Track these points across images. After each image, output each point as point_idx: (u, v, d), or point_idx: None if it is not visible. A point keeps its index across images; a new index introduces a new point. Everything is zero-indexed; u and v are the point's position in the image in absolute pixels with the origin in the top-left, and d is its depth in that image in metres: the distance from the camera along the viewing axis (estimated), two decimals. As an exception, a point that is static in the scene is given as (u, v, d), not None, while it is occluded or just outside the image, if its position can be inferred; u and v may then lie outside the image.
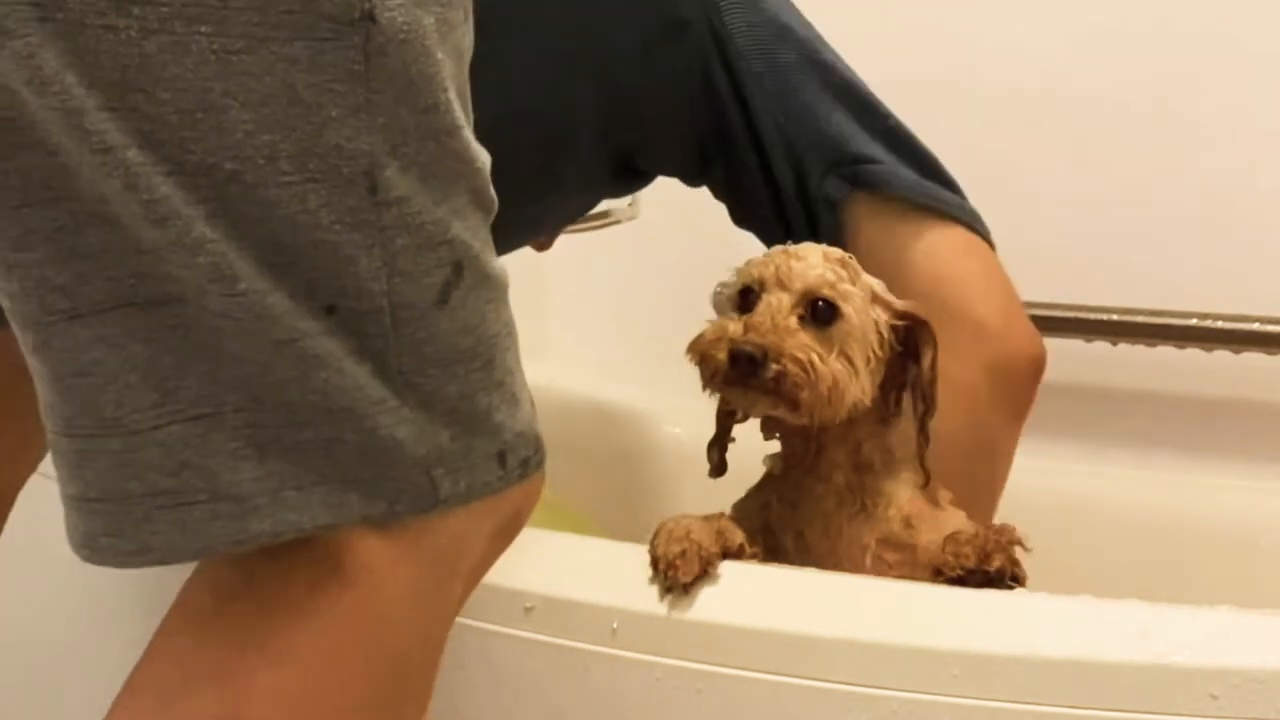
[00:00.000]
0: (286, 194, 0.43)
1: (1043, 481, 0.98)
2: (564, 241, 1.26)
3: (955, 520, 0.81)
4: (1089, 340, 1.37)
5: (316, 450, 0.45)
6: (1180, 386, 1.38)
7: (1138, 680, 0.65)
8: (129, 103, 0.41)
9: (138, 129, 0.41)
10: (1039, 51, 1.44)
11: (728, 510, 0.84)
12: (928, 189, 0.96)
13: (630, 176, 1.08)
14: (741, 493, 0.86)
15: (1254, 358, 1.32)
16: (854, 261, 0.80)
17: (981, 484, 0.93)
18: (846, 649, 0.70)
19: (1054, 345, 1.38)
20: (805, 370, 0.73)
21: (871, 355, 0.77)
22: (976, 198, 1.04)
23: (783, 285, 0.77)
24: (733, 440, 0.87)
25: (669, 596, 0.75)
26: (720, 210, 1.08)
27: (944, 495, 0.84)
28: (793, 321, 0.75)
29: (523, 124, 0.92)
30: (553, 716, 0.78)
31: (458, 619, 0.54)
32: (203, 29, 0.41)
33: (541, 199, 1.02)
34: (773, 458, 0.85)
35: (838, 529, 0.80)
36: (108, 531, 0.44)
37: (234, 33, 0.42)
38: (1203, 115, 1.39)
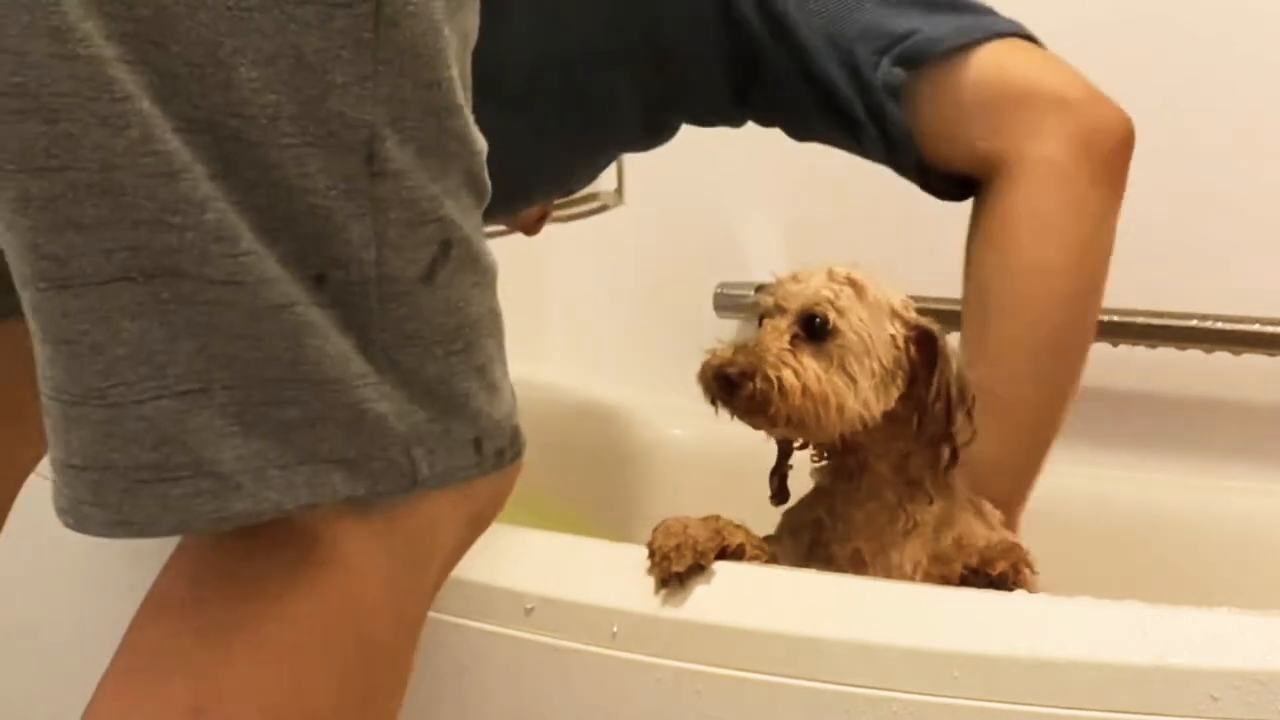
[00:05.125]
0: (286, 156, 0.43)
1: (1042, 482, 0.98)
2: (563, 243, 1.26)
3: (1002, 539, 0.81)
4: (1089, 340, 1.37)
5: (302, 428, 0.45)
6: (1180, 387, 1.38)
7: (1137, 681, 0.64)
8: (142, 54, 0.41)
9: (150, 82, 0.41)
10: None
11: (778, 521, 0.85)
12: (965, 27, 0.97)
13: (658, 128, 1.09)
14: (737, 497, 0.86)
15: (1254, 358, 1.32)
16: (865, 278, 0.80)
17: (1089, 274, 0.92)
18: (846, 650, 0.70)
19: (1054, 346, 1.39)
20: (772, 385, 0.75)
21: (878, 368, 0.78)
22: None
23: (781, 309, 0.79)
24: (791, 467, 0.87)
25: (667, 595, 0.75)
26: (723, 211, 1.08)
27: (995, 515, 0.84)
28: (785, 341, 0.77)
29: (566, 70, 0.93)
30: (552, 718, 0.78)
31: (458, 620, 0.54)
32: None
33: (577, 147, 1.03)
34: (820, 471, 0.86)
35: (892, 543, 0.81)
36: (91, 500, 0.44)
37: None
38: (1204, 114, 1.38)
